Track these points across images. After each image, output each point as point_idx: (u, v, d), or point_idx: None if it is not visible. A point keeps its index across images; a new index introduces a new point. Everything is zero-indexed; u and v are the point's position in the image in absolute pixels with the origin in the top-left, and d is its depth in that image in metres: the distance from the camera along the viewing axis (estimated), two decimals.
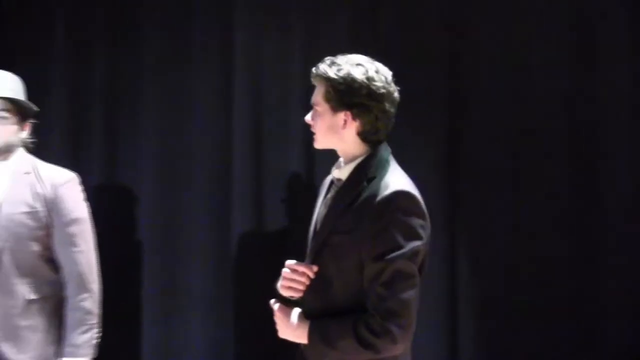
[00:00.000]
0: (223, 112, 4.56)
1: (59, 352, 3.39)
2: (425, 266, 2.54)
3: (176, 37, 4.61)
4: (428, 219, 2.48)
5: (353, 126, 2.53)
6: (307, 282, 2.53)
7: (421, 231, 2.44)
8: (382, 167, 2.51)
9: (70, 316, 3.38)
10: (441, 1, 4.39)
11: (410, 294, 2.43)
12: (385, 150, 2.56)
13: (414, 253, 2.43)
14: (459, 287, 4.32)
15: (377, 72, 2.52)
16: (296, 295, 2.56)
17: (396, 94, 2.56)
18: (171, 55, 4.61)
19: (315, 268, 2.52)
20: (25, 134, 3.50)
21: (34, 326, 3.36)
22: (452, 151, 4.34)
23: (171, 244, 4.60)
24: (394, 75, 2.62)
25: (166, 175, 4.61)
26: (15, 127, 3.42)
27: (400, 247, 2.41)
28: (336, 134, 2.54)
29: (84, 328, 3.37)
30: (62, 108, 4.67)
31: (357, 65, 2.52)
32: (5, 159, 3.43)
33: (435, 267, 4.19)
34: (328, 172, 2.72)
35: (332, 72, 2.52)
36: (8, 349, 3.30)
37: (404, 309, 2.41)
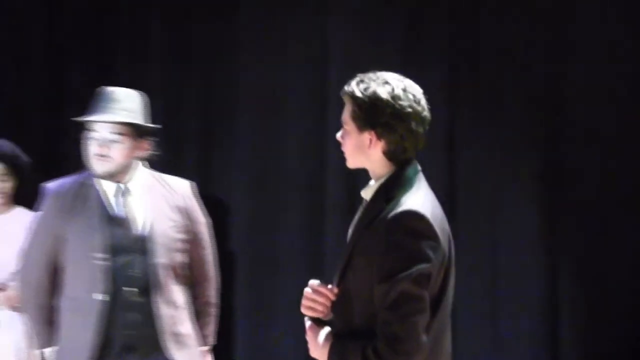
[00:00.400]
0: (317, 119, 4.53)
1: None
2: (449, 288, 2.46)
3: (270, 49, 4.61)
4: (440, 240, 2.38)
5: (378, 146, 2.46)
6: (327, 303, 2.49)
7: (430, 252, 2.35)
8: (404, 187, 2.44)
9: (205, 311, 3.68)
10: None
11: (417, 318, 2.34)
12: (411, 169, 2.49)
13: (421, 275, 2.34)
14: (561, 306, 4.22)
15: (404, 90, 2.45)
16: (315, 315, 2.53)
17: (426, 113, 2.49)
18: (265, 63, 4.62)
19: (335, 290, 2.48)
20: (144, 151, 3.52)
21: (189, 332, 3.58)
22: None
23: (264, 253, 4.60)
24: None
25: (259, 184, 4.61)
26: (132, 148, 3.44)
27: (405, 269, 2.33)
28: (363, 154, 2.49)
29: (213, 319, 3.71)
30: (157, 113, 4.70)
31: (384, 84, 2.46)
32: (130, 178, 3.49)
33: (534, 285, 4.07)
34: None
35: (358, 91, 2.47)
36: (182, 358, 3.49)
37: (408, 333, 2.33)
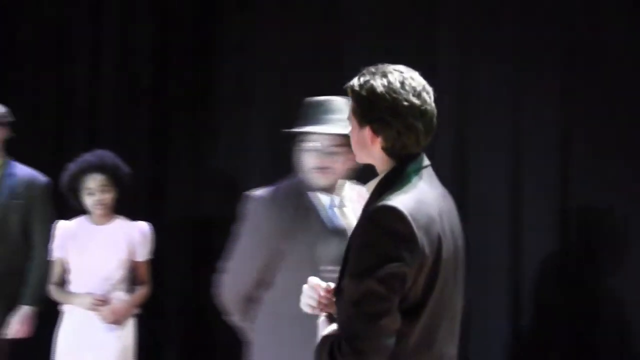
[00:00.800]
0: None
1: None
2: (444, 290, 2.31)
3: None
4: (419, 241, 2.23)
5: (377, 142, 2.36)
6: (323, 301, 2.44)
7: (404, 253, 2.21)
8: (397, 184, 2.32)
9: None
10: None
11: (380, 318, 2.21)
12: (412, 166, 2.36)
13: (391, 275, 2.21)
14: None
15: (402, 82, 2.33)
16: (312, 312, 2.48)
17: (427, 107, 2.34)
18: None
19: (330, 287, 2.45)
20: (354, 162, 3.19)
21: None
22: None
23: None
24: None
25: None
26: (349, 160, 3.15)
27: (375, 268, 2.22)
28: (365, 149, 2.40)
29: None
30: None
31: (382, 77, 2.34)
32: (341, 189, 3.29)
33: None
34: None
35: (357, 85, 2.37)
36: None
37: (368, 333, 2.22)
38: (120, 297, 4.19)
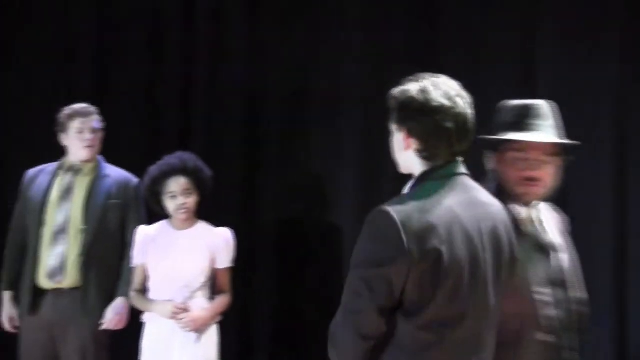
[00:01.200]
0: None
1: None
2: (440, 295, 2.29)
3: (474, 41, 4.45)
4: (405, 245, 2.26)
5: (410, 144, 2.41)
6: None
7: (389, 256, 2.27)
8: (416, 189, 2.39)
9: None
10: None
11: (354, 314, 2.32)
12: (439, 172, 2.39)
13: (372, 276, 2.29)
14: None
15: (434, 85, 2.39)
16: None
17: (458, 110, 2.37)
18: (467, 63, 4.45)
19: None
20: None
21: None
22: None
23: None
24: None
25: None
26: (558, 169, 2.91)
27: (359, 266, 2.33)
28: (402, 155, 2.45)
29: None
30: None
31: (417, 82, 2.42)
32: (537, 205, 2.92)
33: None
34: None
35: (395, 92, 2.44)
36: None
37: (343, 322, 2.35)
38: (201, 305, 4.07)
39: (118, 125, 4.73)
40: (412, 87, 2.39)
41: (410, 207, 2.30)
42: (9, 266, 4.38)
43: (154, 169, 4.09)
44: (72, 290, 4.22)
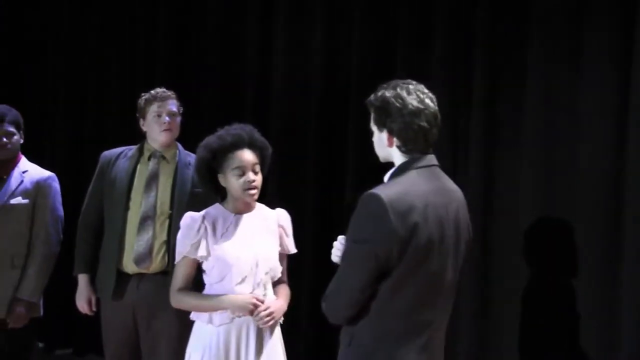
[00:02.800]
0: (615, 117, 4.16)
1: None
2: (430, 267, 2.82)
3: (565, 35, 4.30)
4: (392, 222, 2.74)
5: (393, 141, 2.90)
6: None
7: (378, 232, 2.75)
8: (399, 176, 2.87)
9: None
10: None
11: (347, 280, 2.81)
12: (419, 161, 2.89)
13: (363, 246, 2.77)
14: None
15: (408, 91, 2.88)
16: (336, 260, 2.95)
17: (430, 110, 2.89)
18: (558, 56, 4.31)
19: None
20: None
21: None
22: None
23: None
24: None
25: (546, 188, 4.32)
26: None
27: (355, 240, 2.81)
28: (385, 150, 2.95)
29: None
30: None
31: (392, 88, 2.90)
32: None
33: None
34: None
35: (373, 98, 2.94)
36: None
37: (337, 287, 2.85)
38: (271, 298, 3.61)
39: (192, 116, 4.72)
40: (388, 93, 2.89)
41: (395, 191, 2.80)
42: (83, 249, 4.33)
43: (213, 140, 3.59)
44: (157, 274, 4.13)
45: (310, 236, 5.07)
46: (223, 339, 3.51)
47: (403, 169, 2.89)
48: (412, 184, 2.84)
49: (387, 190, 2.81)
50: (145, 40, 5.98)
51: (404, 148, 2.89)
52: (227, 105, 5.44)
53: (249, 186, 3.52)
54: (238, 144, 3.54)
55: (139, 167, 4.27)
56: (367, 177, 4.71)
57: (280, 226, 3.69)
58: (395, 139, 2.89)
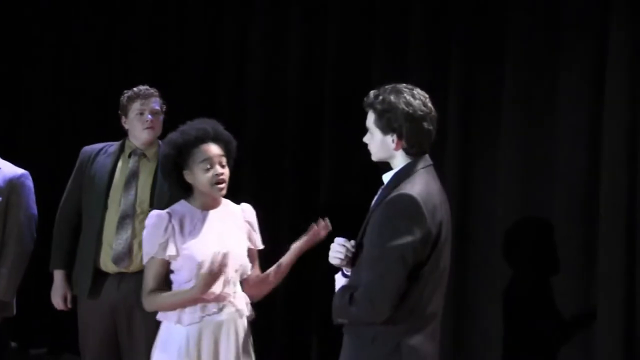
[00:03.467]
0: (591, 119, 4.16)
1: None
2: (441, 263, 3.00)
3: (541, 39, 4.31)
4: (427, 220, 2.90)
5: (400, 145, 3.01)
6: (348, 254, 3.03)
7: (415, 230, 2.88)
8: (409, 176, 2.98)
9: None
10: None
11: (390, 280, 2.88)
12: (421, 162, 3.03)
13: (403, 246, 2.87)
14: None
15: (413, 97, 3.00)
16: (337, 263, 3.06)
17: (433, 114, 3.05)
18: (534, 57, 4.31)
19: (352, 242, 3.05)
20: None
21: None
22: None
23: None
24: None
25: (525, 183, 4.31)
26: None
27: (391, 239, 2.88)
28: (388, 152, 3.05)
29: None
30: None
31: (397, 94, 3.00)
32: None
33: None
34: None
35: (377, 103, 3.02)
36: None
37: (379, 286, 2.90)
38: (240, 295, 3.54)
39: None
40: (396, 99, 3.00)
41: (421, 190, 2.94)
42: (60, 245, 4.28)
43: (177, 136, 3.50)
44: (137, 273, 3.99)
45: (287, 235, 5.05)
46: (193, 339, 3.41)
47: (409, 169, 3.01)
48: (428, 183, 2.99)
49: (415, 189, 2.93)
50: (121, 38, 5.95)
51: (410, 150, 3.02)
52: (203, 105, 5.40)
53: (217, 179, 3.43)
54: (203, 138, 3.46)
55: (119, 164, 4.23)
56: (343, 176, 4.89)
57: (247, 221, 3.62)
58: (403, 143, 3.01)
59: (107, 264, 4.14)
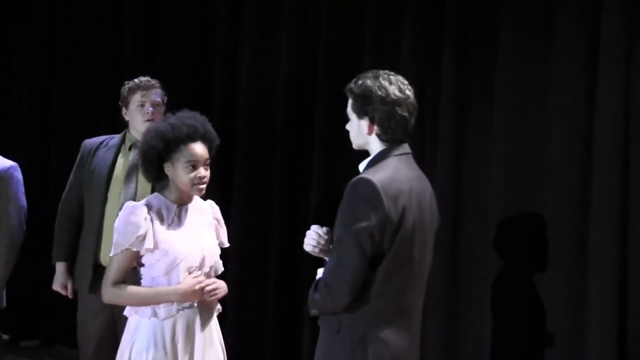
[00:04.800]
0: (584, 114, 4.13)
1: None
2: (414, 255, 2.94)
3: (534, 32, 4.28)
4: (385, 206, 2.85)
5: (373, 129, 2.99)
6: (321, 241, 3.02)
7: (371, 214, 2.84)
8: (381, 162, 2.96)
9: None
10: None
11: (349, 264, 2.85)
12: (396, 150, 2.99)
13: (359, 230, 2.84)
14: None
15: (389, 82, 2.97)
16: (311, 250, 3.04)
17: (410, 101, 3.00)
18: (527, 52, 4.28)
19: (325, 229, 3.03)
20: None
21: None
22: None
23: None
24: None
25: (517, 182, 4.29)
26: None
27: (349, 224, 2.86)
28: (363, 138, 3.02)
29: None
30: None
31: (374, 78, 2.99)
32: None
33: None
34: None
35: (354, 87, 3.01)
36: None
37: (337, 272, 2.88)
38: None
39: None
40: (370, 83, 2.97)
41: (384, 176, 2.90)
42: (62, 238, 4.27)
43: (167, 130, 3.36)
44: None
45: (277, 232, 5.07)
46: (169, 332, 3.34)
47: (382, 156, 2.98)
48: (397, 170, 2.94)
49: (377, 174, 2.90)
50: (111, 33, 5.93)
51: (383, 137, 2.99)
52: (195, 102, 5.37)
53: (199, 182, 3.35)
54: (192, 137, 3.36)
55: (119, 157, 4.19)
56: (334, 174, 4.88)
57: (215, 218, 3.56)
58: (376, 127, 2.98)
59: (107, 258, 3.97)
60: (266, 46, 5.22)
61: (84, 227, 4.21)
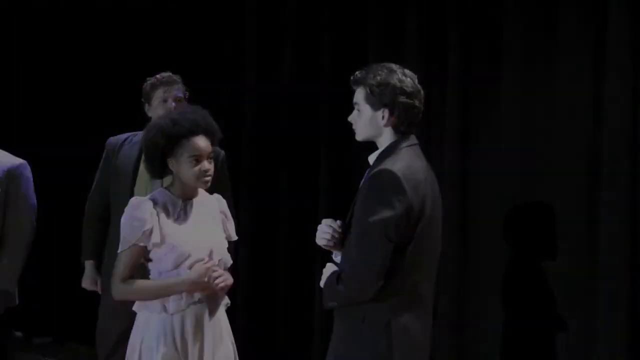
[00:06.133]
0: (590, 114, 4.15)
1: None
2: (430, 244, 3.02)
3: (540, 21, 4.28)
4: (408, 195, 2.90)
5: (390, 120, 3.03)
6: (335, 235, 3.06)
7: (396, 204, 2.89)
8: (395, 154, 3.00)
9: None
10: None
11: (375, 256, 2.90)
12: (406, 141, 3.05)
13: (384, 220, 2.89)
14: None
15: (404, 75, 3.05)
16: (324, 244, 3.09)
17: (422, 93, 3.07)
18: (533, 51, 4.30)
19: (339, 224, 3.08)
20: None
21: None
22: None
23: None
24: None
25: (524, 182, 4.30)
26: None
27: (373, 214, 2.90)
28: (376, 129, 3.06)
29: None
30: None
31: (390, 71, 3.03)
32: None
33: None
34: None
35: (369, 78, 3.03)
36: None
37: (362, 262, 2.92)
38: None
39: None
40: (389, 74, 3.02)
41: (403, 166, 2.96)
42: (90, 236, 4.31)
43: (169, 125, 3.36)
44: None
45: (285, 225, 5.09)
46: (178, 327, 3.33)
47: (394, 147, 3.03)
48: (412, 160, 3.01)
49: (395, 165, 2.95)
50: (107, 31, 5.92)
51: (401, 127, 3.04)
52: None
53: (204, 175, 3.36)
54: (194, 131, 3.35)
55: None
56: (343, 175, 4.89)
57: (222, 212, 3.54)
58: (394, 119, 3.03)
59: None
60: (272, 43, 5.24)
61: (111, 224, 4.21)
